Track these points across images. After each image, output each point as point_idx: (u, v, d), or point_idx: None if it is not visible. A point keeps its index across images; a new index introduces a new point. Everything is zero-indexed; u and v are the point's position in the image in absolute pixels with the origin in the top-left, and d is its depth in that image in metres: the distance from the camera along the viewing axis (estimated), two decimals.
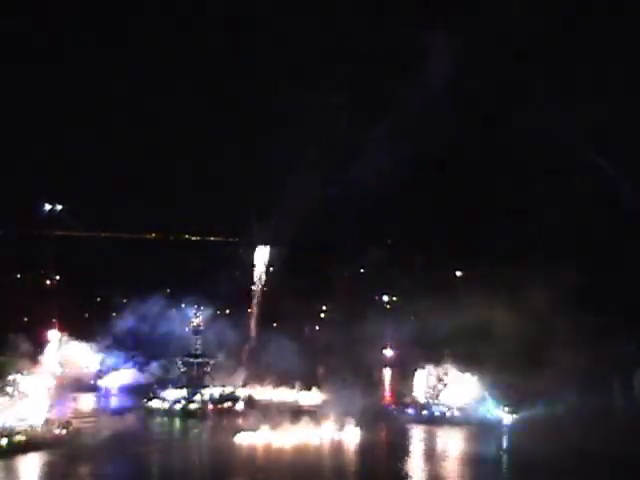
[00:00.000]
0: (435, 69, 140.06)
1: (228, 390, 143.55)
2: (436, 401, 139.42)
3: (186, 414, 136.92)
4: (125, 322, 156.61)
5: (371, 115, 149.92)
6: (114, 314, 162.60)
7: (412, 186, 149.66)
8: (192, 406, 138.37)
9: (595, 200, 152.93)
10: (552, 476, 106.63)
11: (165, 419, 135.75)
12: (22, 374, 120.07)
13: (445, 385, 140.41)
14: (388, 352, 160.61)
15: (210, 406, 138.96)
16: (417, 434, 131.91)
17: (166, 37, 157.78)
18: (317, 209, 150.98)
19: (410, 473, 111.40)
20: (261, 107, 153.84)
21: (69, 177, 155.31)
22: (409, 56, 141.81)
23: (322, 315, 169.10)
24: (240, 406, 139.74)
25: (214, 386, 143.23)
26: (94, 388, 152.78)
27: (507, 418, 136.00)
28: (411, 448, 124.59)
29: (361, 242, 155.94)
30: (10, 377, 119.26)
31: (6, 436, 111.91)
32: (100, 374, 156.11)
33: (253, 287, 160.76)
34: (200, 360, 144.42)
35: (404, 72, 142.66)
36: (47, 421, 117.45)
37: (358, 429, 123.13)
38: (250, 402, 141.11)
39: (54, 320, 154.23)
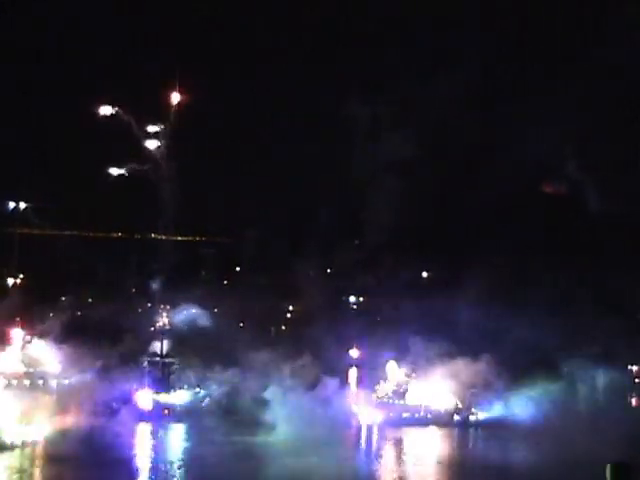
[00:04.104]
0: None
1: (196, 392, 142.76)
2: (404, 401, 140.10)
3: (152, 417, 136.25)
4: (90, 321, 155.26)
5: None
6: (79, 313, 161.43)
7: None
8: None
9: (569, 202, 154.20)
10: None
11: (131, 421, 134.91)
12: None
13: (413, 385, 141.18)
14: (355, 352, 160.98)
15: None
16: (383, 435, 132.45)
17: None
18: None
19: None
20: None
21: (34, 175, 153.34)
22: None
23: (289, 315, 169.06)
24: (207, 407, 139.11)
25: (181, 388, 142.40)
26: (60, 388, 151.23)
27: (472, 419, 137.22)
28: (376, 451, 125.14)
29: (329, 242, 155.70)
30: None
31: None
32: (65, 374, 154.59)
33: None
34: (166, 360, 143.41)
35: None
36: (14, 422, 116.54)
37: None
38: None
39: (18, 319, 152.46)
